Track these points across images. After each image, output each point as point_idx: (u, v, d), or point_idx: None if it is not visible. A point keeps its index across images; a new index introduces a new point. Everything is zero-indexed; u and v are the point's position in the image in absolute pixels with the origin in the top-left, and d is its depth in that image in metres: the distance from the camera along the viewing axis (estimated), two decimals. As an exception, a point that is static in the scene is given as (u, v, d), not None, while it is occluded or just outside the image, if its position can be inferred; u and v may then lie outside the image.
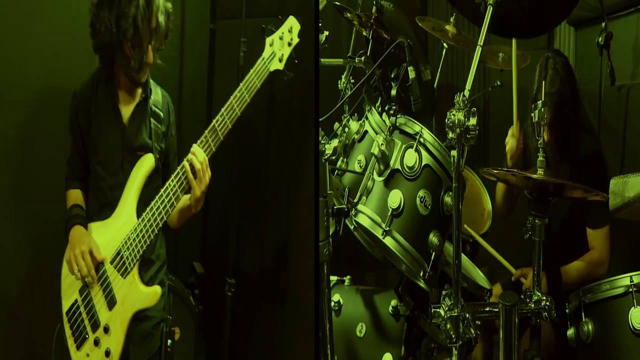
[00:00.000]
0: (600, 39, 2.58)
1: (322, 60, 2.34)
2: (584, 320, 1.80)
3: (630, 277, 1.72)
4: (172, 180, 1.96)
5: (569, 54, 3.18)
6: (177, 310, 2.40)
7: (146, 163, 2.05)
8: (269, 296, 2.73)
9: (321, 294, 1.63)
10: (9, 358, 2.41)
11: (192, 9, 2.84)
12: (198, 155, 1.93)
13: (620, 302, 1.73)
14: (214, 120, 1.96)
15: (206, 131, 1.96)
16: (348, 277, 2.37)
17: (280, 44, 2.05)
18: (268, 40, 2.06)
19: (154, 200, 1.98)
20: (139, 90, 2.09)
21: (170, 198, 1.95)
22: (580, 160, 2.37)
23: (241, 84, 1.98)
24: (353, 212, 1.81)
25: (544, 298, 1.84)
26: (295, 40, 2.06)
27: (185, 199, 2.02)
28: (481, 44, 1.69)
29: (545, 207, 1.86)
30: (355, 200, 1.82)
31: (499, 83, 3.05)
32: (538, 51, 3.09)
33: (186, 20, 2.83)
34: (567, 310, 1.91)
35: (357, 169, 1.91)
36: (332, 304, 2.21)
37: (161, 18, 1.98)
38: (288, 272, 2.64)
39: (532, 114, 1.87)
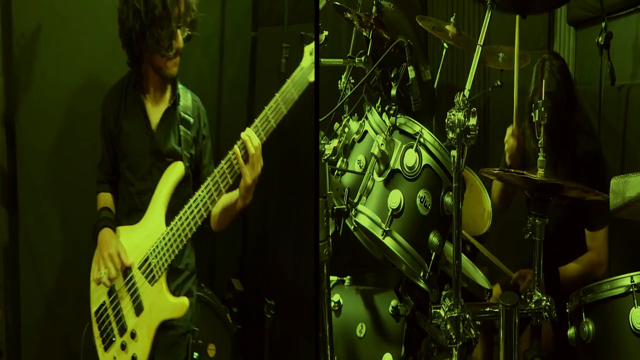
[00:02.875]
0: (600, 39, 2.57)
1: (322, 60, 2.32)
2: (584, 320, 1.80)
3: (631, 277, 1.71)
4: (203, 191, 1.91)
5: (569, 54, 3.18)
6: (213, 326, 2.39)
7: (176, 171, 2.03)
8: (309, 318, 2.66)
9: (321, 294, 1.63)
10: (48, 346, 2.54)
11: (232, 16, 2.80)
12: (253, 140, 1.84)
13: (620, 302, 1.73)
14: None
15: (239, 142, 1.87)
16: (348, 277, 2.36)
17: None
18: (307, 48, 1.89)
19: (183, 210, 1.95)
20: (168, 95, 2.07)
21: (200, 209, 1.91)
22: (576, 161, 2.37)
23: (277, 95, 1.86)
24: (353, 212, 1.81)
25: (544, 298, 1.84)
26: None
27: (228, 197, 1.97)
28: (481, 44, 1.69)
29: (545, 207, 1.86)
30: (355, 201, 1.82)
31: (499, 83, 3.05)
32: (538, 51, 3.09)
33: (226, 27, 2.79)
34: (567, 310, 1.91)
35: (357, 169, 1.90)
36: (332, 304, 2.20)
37: None
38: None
39: (532, 114, 1.87)
